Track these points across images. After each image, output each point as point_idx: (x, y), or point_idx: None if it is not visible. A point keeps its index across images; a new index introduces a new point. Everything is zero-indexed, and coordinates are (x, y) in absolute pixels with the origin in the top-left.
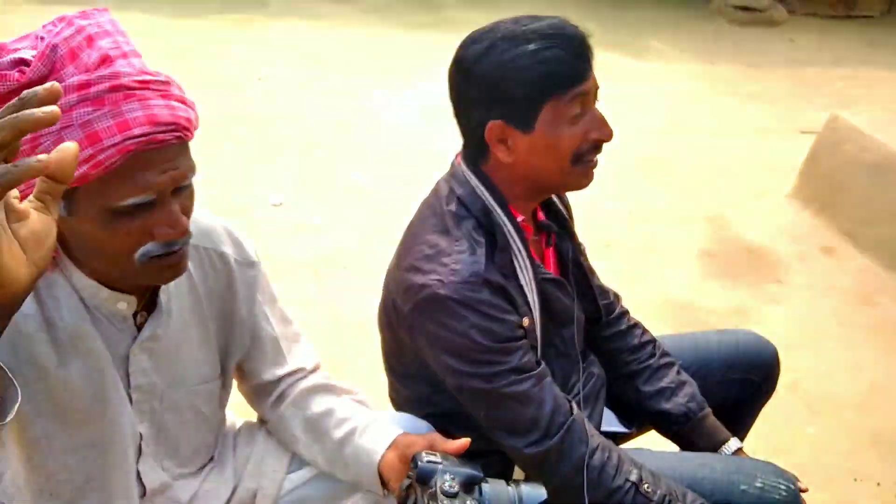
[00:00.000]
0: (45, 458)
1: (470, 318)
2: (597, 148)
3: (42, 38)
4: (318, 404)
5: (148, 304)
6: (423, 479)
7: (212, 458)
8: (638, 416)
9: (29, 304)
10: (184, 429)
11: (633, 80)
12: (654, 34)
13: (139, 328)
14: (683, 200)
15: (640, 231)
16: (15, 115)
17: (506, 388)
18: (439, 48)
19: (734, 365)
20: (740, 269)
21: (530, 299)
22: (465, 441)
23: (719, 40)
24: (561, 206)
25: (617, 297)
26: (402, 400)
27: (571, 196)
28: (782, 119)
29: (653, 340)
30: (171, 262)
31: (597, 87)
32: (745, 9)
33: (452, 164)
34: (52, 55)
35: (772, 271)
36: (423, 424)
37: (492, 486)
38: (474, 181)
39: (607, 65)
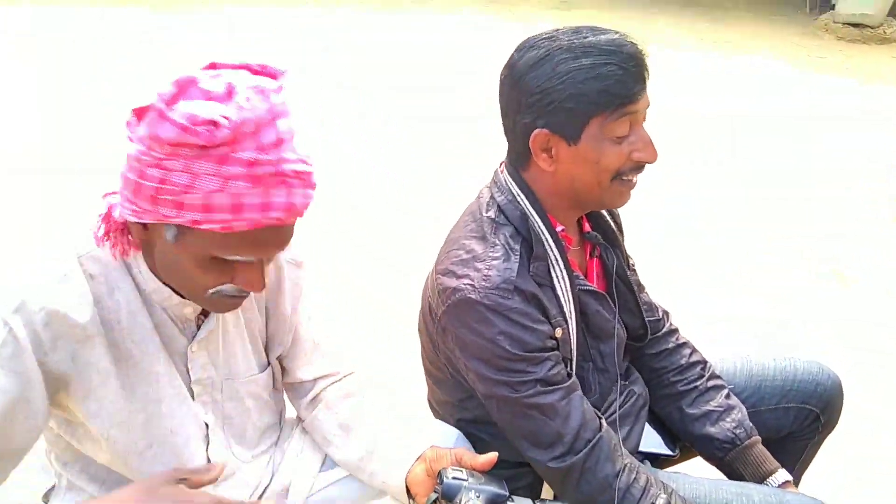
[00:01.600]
0: (122, 455)
1: (499, 324)
2: (639, 168)
3: (233, 93)
4: (351, 410)
5: None
6: (449, 496)
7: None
8: (682, 439)
9: (87, 311)
10: (247, 416)
11: (734, 93)
12: (756, 50)
13: (197, 327)
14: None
15: None
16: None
17: (532, 398)
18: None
19: (790, 393)
20: None
21: (566, 309)
22: (492, 456)
23: (826, 55)
24: (609, 219)
25: (666, 314)
26: (437, 403)
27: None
28: None
29: (702, 362)
30: (234, 303)
31: (647, 107)
32: (856, 25)
33: (496, 172)
34: (240, 128)
35: None
36: (454, 433)
37: None
38: (515, 189)
39: (704, 76)
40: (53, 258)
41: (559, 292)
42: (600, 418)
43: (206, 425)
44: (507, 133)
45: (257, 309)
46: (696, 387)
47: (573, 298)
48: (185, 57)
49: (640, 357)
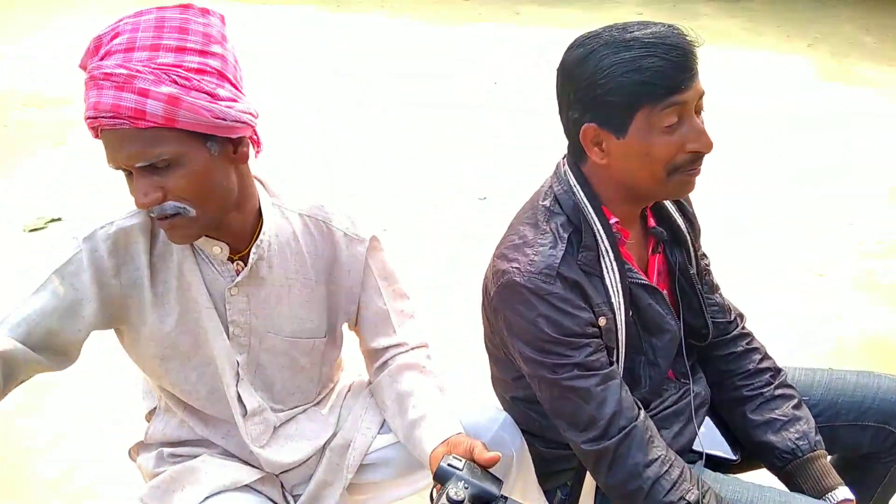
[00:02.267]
0: (169, 372)
1: (539, 307)
2: (696, 159)
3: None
4: (408, 381)
5: (245, 256)
6: (440, 479)
7: (309, 403)
8: (744, 446)
9: (143, 245)
10: (280, 372)
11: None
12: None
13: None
14: None
15: None
16: None
17: (569, 381)
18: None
19: (869, 411)
20: None
21: (614, 301)
22: (495, 455)
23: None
24: (677, 215)
25: (740, 317)
26: (495, 381)
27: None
28: None
29: (772, 369)
30: (162, 226)
31: (700, 96)
32: None
33: (557, 164)
34: (90, 45)
35: None
36: (500, 416)
37: None
38: (572, 180)
39: (884, 79)
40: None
41: (608, 282)
42: (639, 409)
43: (237, 363)
44: (564, 129)
45: (314, 276)
46: (761, 393)
47: (623, 290)
48: None
49: (708, 358)
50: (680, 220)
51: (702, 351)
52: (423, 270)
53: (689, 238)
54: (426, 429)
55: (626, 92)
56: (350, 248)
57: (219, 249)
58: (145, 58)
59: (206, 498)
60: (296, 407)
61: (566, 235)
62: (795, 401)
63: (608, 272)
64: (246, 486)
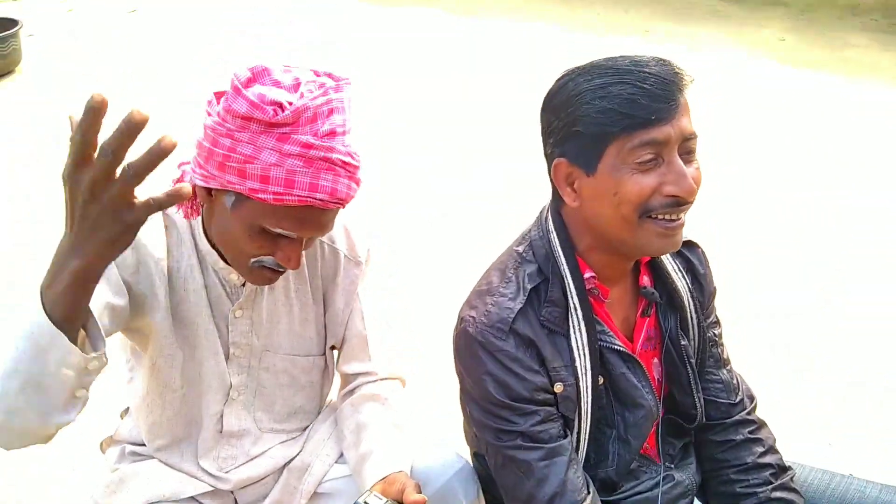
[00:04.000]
0: (161, 386)
1: (487, 365)
2: (676, 206)
3: (299, 86)
4: (367, 413)
5: None
6: None
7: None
8: None
9: (161, 250)
10: (280, 390)
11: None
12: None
13: None
14: None
15: None
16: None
17: (511, 451)
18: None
19: None
20: None
21: (579, 364)
22: (420, 499)
23: None
24: (679, 275)
25: (750, 398)
26: (464, 432)
27: None
28: None
29: (776, 466)
30: (271, 276)
31: (686, 136)
32: None
33: (542, 208)
34: (300, 113)
35: None
36: (457, 464)
37: None
38: (549, 226)
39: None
40: None
41: (574, 343)
42: (588, 493)
43: (230, 384)
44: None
45: (312, 295)
46: (756, 493)
47: (591, 353)
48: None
49: (704, 442)
50: (680, 282)
51: (696, 434)
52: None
53: (688, 303)
54: (371, 463)
55: (593, 121)
56: (347, 270)
57: (236, 276)
58: (352, 141)
59: None
60: (298, 428)
61: (530, 287)
62: None
63: (575, 332)
64: (192, 498)
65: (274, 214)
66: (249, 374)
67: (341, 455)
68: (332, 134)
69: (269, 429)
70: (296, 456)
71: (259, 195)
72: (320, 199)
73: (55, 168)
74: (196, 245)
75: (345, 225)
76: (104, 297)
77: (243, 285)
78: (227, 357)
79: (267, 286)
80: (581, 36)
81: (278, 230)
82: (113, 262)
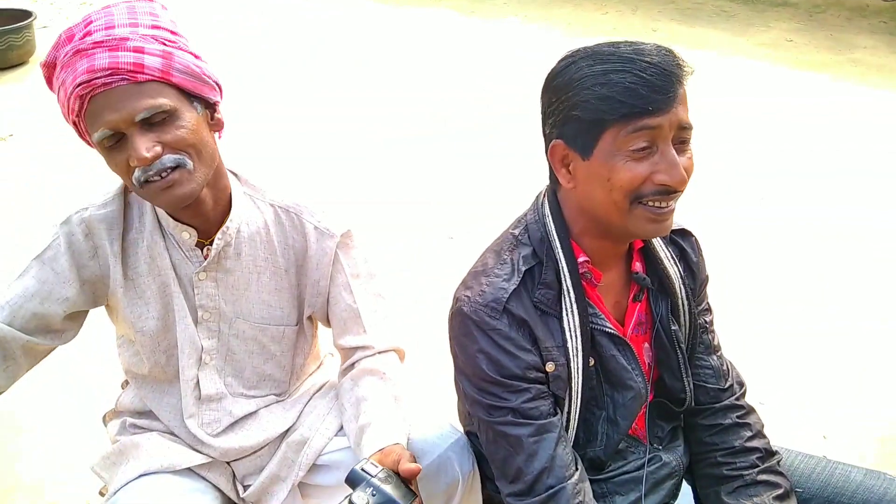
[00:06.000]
0: (141, 352)
1: (480, 342)
2: (666, 193)
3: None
4: (366, 387)
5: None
6: (351, 483)
7: (283, 394)
8: None
9: (116, 231)
10: (250, 358)
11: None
12: None
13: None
14: None
15: None
16: None
17: (502, 426)
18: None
19: None
20: None
21: (570, 345)
22: (414, 467)
23: None
24: (671, 261)
25: (739, 384)
26: (458, 411)
27: None
28: None
29: (762, 450)
30: (160, 185)
31: (682, 126)
32: None
33: (539, 192)
34: (63, 36)
35: None
36: (453, 436)
37: None
38: (545, 209)
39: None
40: (105, 191)
41: (566, 325)
42: (576, 469)
43: (202, 348)
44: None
45: (284, 266)
46: (741, 475)
47: (582, 335)
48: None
49: (694, 426)
50: (672, 268)
51: (685, 417)
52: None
53: (680, 290)
54: (368, 435)
55: (592, 107)
56: (320, 242)
57: (188, 235)
58: (128, 31)
59: (141, 476)
60: (268, 395)
61: (524, 269)
62: (781, 490)
63: (567, 314)
64: (189, 469)
65: (89, 127)
66: (220, 339)
67: (341, 428)
68: (86, 34)
69: (239, 393)
70: (293, 429)
71: (71, 118)
72: (87, 82)
73: (70, 160)
74: (156, 211)
75: (319, 206)
76: (53, 289)
77: (196, 245)
78: (196, 321)
79: (231, 253)
80: (589, 34)
81: (97, 137)
82: (64, 254)
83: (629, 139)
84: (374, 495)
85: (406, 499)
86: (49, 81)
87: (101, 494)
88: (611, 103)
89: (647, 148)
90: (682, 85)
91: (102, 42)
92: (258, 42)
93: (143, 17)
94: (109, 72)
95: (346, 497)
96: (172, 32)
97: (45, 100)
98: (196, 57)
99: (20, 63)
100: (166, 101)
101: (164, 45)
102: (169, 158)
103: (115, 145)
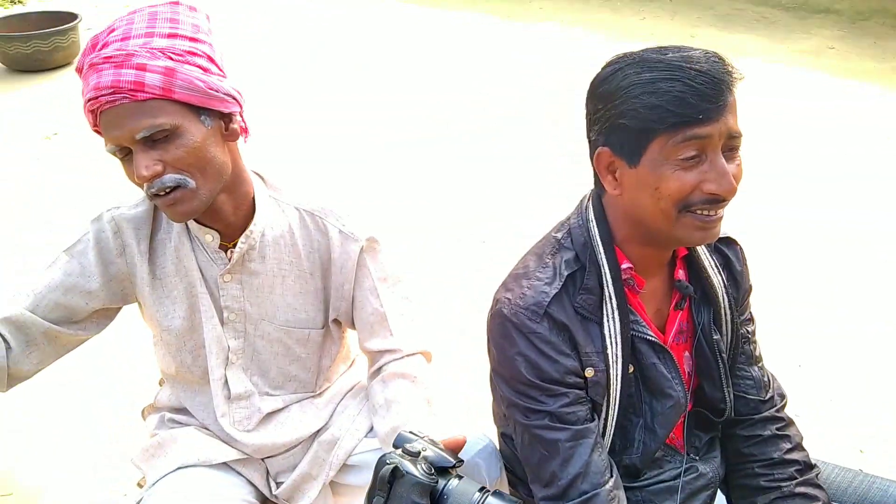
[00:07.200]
0: (168, 352)
1: (520, 345)
2: (715, 202)
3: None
4: (397, 390)
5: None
6: (399, 444)
7: (309, 392)
8: None
9: (145, 231)
10: (275, 359)
11: None
12: None
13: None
14: None
15: None
16: None
17: (539, 430)
18: None
19: None
20: None
21: (610, 352)
22: (461, 438)
23: None
24: (714, 270)
25: (780, 396)
26: (493, 412)
27: None
28: None
29: (801, 463)
30: (164, 202)
31: (731, 135)
32: None
33: (584, 196)
34: (89, 44)
35: None
36: (481, 442)
37: (460, 482)
38: (589, 213)
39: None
40: (140, 192)
41: (607, 331)
42: (611, 476)
43: (228, 348)
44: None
45: (308, 269)
46: (779, 486)
47: (623, 342)
48: None
49: (732, 437)
50: (715, 277)
51: (724, 427)
52: None
53: (723, 299)
54: None
55: (640, 116)
56: (344, 246)
57: (211, 237)
58: (140, 43)
59: (178, 469)
60: (294, 393)
61: (566, 273)
62: (819, 503)
63: (608, 320)
64: (225, 464)
65: (103, 134)
66: (246, 339)
67: (371, 429)
68: (104, 45)
69: (265, 392)
70: (325, 429)
71: (92, 127)
72: (93, 98)
73: (111, 161)
74: None
75: (345, 210)
76: (77, 282)
77: (221, 248)
78: (222, 322)
79: (255, 256)
80: (627, 40)
81: (108, 150)
82: (92, 249)
83: (678, 148)
84: (423, 448)
85: (455, 461)
86: None
87: (140, 486)
88: (659, 112)
89: (696, 157)
90: (731, 93)
91: (111, 57)
92: (258, 44)
93: (162, 26)
94: (112, 90)
95: (400, 445)
96: (191, 40)
97: None
98: (205, 71)
99: (65, 64)
100: (167, 119)
101: (171, 58)
102: (169, 178)
103: (125, 157)
